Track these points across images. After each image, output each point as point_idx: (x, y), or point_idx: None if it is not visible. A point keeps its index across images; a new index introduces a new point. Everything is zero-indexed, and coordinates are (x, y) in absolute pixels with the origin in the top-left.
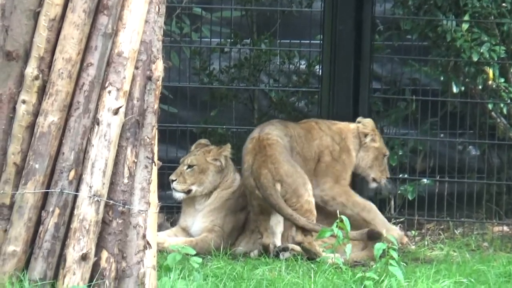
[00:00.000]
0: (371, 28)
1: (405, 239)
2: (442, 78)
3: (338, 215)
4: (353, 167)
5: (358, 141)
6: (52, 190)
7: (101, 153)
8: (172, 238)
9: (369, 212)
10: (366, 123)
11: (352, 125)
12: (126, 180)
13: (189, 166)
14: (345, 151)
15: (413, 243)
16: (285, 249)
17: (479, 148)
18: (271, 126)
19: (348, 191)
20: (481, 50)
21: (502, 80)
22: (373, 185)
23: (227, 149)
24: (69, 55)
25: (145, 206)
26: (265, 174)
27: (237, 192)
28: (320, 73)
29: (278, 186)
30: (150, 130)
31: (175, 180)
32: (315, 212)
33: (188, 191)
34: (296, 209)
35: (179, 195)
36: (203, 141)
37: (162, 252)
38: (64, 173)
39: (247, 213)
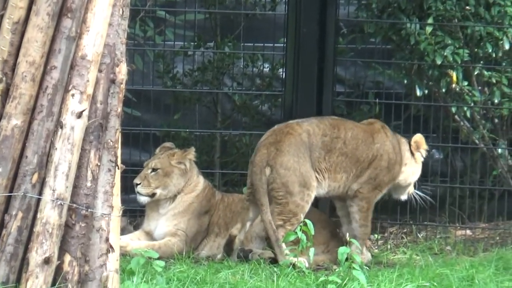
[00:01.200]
0: (334, 31)
1: (368, 243)
2: (405, 81)
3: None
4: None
5: (409, 155)
6: (15, 193)
7: (65, 157)
8: (135, 242)
9: (364, 233)
10: (421, 139)
11: (404, 139)
12: (89, 184)
13: (153, 170)
14: (398, 164)
15: (376, 247)
16: (246, 252)
17: (442, 152)
18: (314, 120)
19: (372, 204)
20: (445, 53)
21: (466, 83)
22: (405, 197)
23: (191, 152)
24: (32, 58)
25: (108, 209)
26: (262, 153)
27: (201, 195)
28: (284, 76)
29: (267, 171)
30: (114, 133)
31: (140, 183)
32: (300, 218)
33: (153, 195)
34: (280, 204)
35: (143, 199)
36: (168, 144)
37: (125, 256)
38: (27, 176)
39: (211, 216)
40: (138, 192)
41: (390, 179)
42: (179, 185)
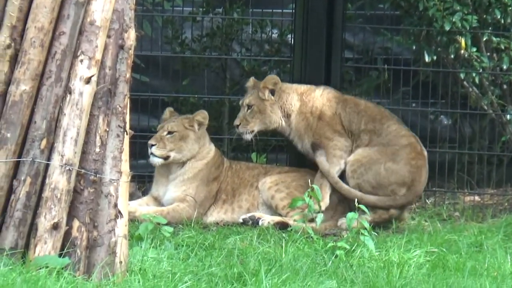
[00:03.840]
0: None
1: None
2: (414, 47)
3: (310, 184)
4: None
5: None
6: (24, 159)
7: (73, 122)
8: (143, 207)
9: None
10: None
11: None
12: (97, 149)
13: (170, 132)
14: None
15: None
16: (256, 219)
17: (451, 118)
18: None
19: None
20: (453, 20)
21: (474, 49)
22: None
23: (199, 114)
24: (41, 23)
25: (116, 175)
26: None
27: (211, 162)
28: (292, 42)
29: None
30: (122, 99)
31: (155, 145)
32: None
33: (167, 157)
34: None
35: (157, 160)
36: (171, 108)
37: (133, 221)
38: (36, 142)
39: (219, 183)
40: (152, 153)
41: None
42: (193, 150)
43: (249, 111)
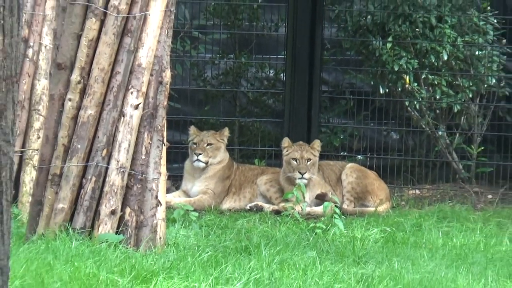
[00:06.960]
0: (321, 46)
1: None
2: (372, 83)
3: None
4: None
5: None
6: (90, 163)
7: (126, 137)
8: (176, 198)
9: None
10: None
11: None
12: (143, 156)
13: (209, 144)
14: None
15: None
16: (259, 207)
17: (398, 134)
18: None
19: None
20: (401, 63)
21: (416, 84)
22: None
23: (227, 131)
24: (102, 65)
25: (157, 175)
26: None
27: (226, 166)
28: (284, 79)
29: None
30: (161, 120)
31: (201, 153)
32: None
33: (207, 162)
34: None
35: (201, 165)
36: (193, 126)
37: (169, 208)
38: (99, 151)
39: (230, 180)
40: (199, 160)
41: None
42: (222, 157)
43: None
